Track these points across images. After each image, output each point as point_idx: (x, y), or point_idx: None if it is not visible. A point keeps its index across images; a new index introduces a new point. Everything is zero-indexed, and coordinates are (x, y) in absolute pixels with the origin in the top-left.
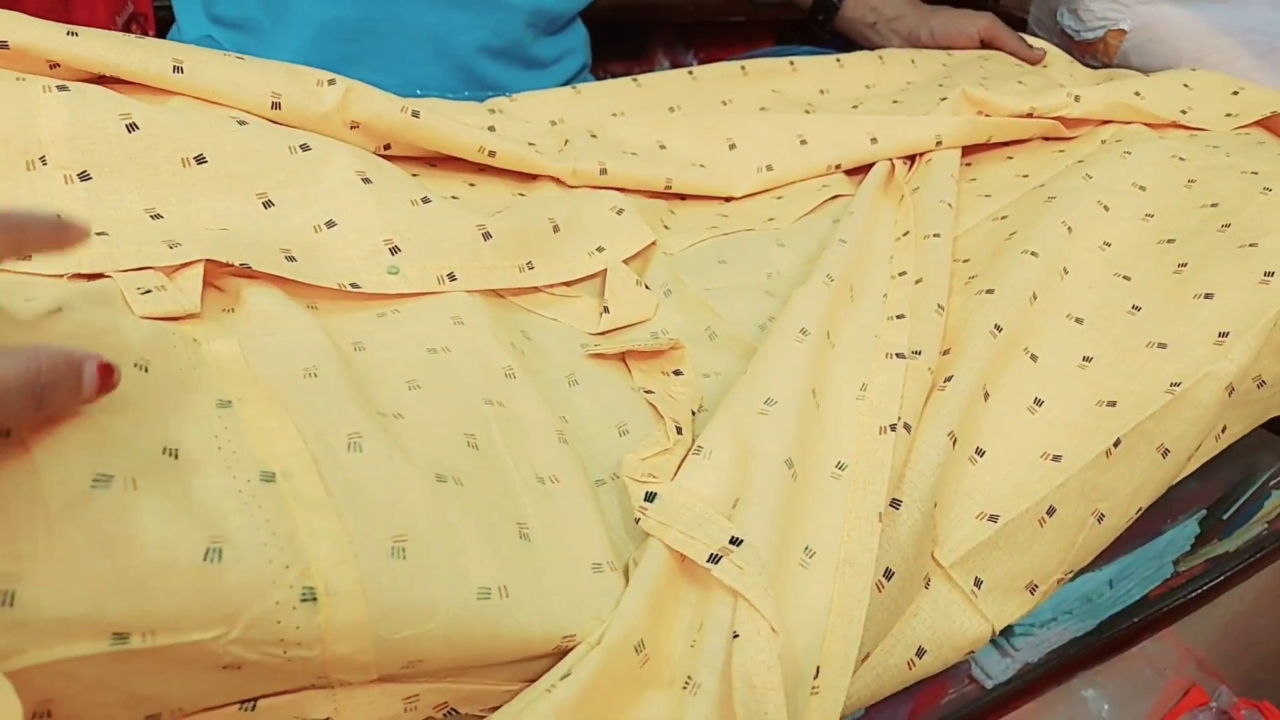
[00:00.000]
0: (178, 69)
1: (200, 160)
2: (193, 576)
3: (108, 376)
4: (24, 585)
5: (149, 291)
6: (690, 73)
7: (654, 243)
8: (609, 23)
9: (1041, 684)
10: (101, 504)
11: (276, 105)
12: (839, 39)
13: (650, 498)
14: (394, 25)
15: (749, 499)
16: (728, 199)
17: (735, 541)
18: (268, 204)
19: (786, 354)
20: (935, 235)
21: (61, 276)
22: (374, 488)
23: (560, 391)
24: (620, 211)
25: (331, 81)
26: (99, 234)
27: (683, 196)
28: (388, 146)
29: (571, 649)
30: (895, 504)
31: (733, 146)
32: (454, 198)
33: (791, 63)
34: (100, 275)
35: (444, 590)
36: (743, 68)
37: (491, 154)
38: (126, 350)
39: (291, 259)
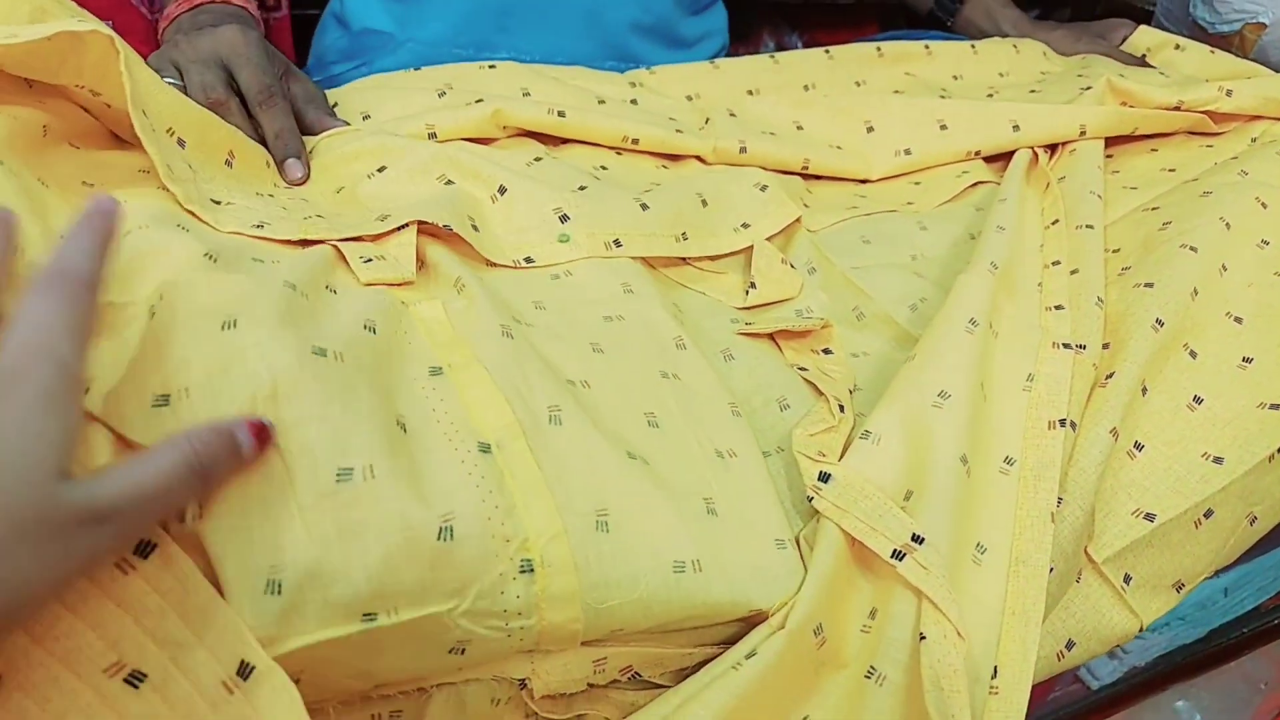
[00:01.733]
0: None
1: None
2: (430, 553)
3: (263, 434)
4: (288, 575)
5: (369, 260)
6: (827, 52)
7: (797, 220)
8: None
9: (1143, 690)
10: (346, 496)
11: (433, 135)
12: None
13: (824, 478)
14: (549, 0)
15: (926, 494)
16: (863, 181)
17: (917, 539)
18: (448, 182)
19: (957, 345)
20: (1088, 226)
21: (288, 242)
22: (574, 461)
23: (717, 365)
24: (764, 188)
25: (479, 101)
26: (317, 216)
27: (818, 177)
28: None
29: (756, 619)
30: (1058, 501)
31: (870, 129)
32: (603, 168)
33: (927, 46)
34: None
35: (644, 563)
36: (878, 49)
37: (635, 141)
38: (356, 312)
39: (475, 228)
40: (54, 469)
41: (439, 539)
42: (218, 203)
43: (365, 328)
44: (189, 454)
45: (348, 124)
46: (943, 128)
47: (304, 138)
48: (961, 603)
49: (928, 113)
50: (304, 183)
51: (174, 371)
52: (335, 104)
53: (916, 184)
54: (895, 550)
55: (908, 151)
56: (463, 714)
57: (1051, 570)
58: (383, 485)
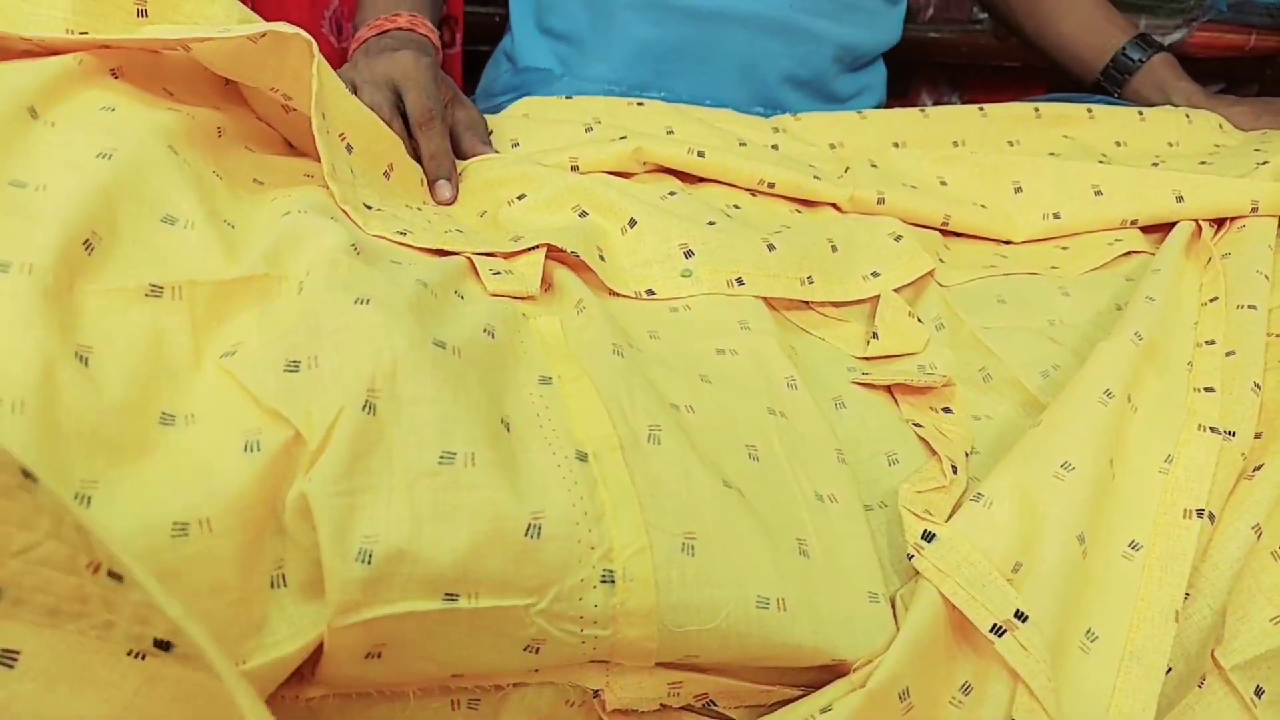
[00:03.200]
0: None
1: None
2: (516, 547)
3: None
4: (378, 547)
5: (499, 273)
6: (981, 109)
7: (929, 274)
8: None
9: None
10: (445, 478)
11: (575, 168)
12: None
13: (928, 537)
14: (708, 49)
15: (1035, 570)
16: (1006, 242)
17: (1020, 616)
18: (582, 213)
19: (1088, 415)
20: (1250, 306)
21: (426, 250)
22: (669, 482)
23: (827, 411)
24: (899, 238)
25: (623, 138)
26: (457, 231)
27: (958, 234)
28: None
29: (840, 669)
30: (1185, 596)
31: (1018, 190)
32: (736, 206)
33: (1089, 110)
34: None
35: (726, 593)
36: (1036, 109)
37: (771, 185)
38: (479, 317)
39: (602, 257)
40: None
41: (526, 534)
42: (369, 207)
43: (485, 331)
44: None
45: (498, 152)
46: (1098, 193)
47: (458, 162)
48: (1062, 692)
49: (1082, 176)
50: (451, 203)
51: (306, 340)
52: (491, 131)
53: (1064, 248)
54: (995, 625)
55: (1057, 215)
56: (535, 714)
57: (1169, 671)
58: (480, 474)
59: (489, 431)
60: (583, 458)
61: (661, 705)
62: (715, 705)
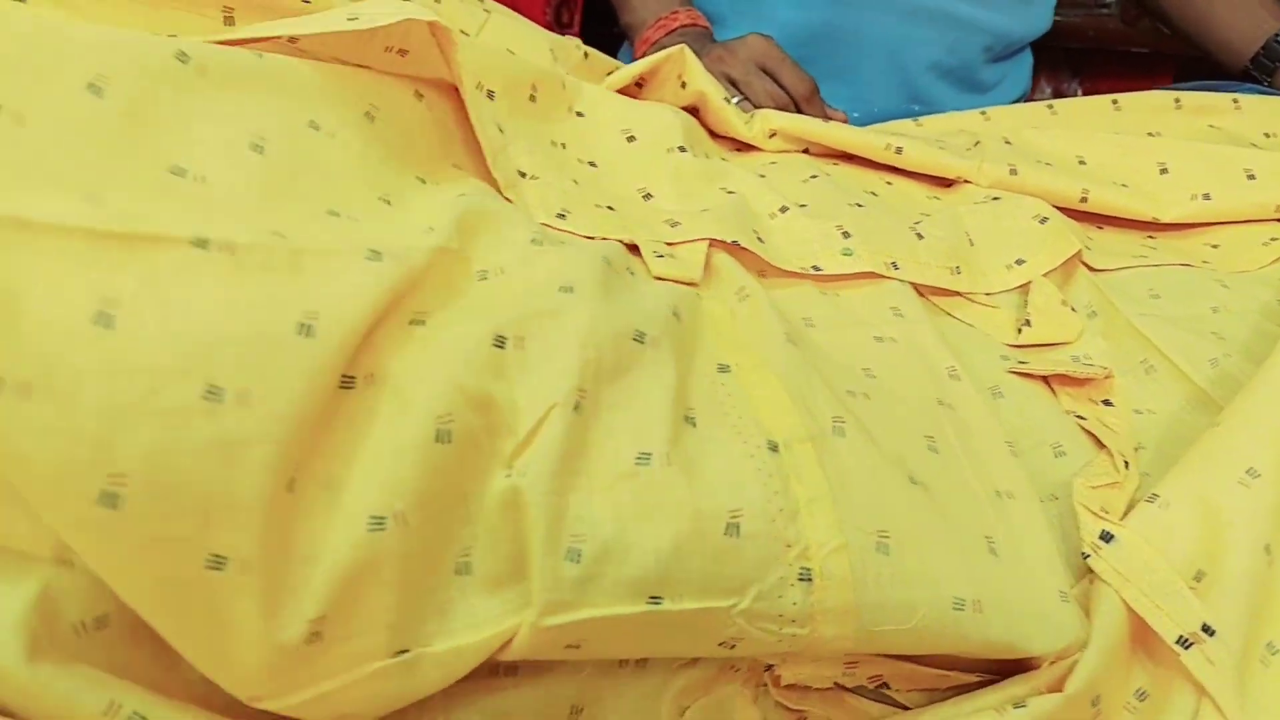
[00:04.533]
0: None
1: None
2: (716, 546)
3: None
4: (587, 545)
5: (661, 255)
6: (1114, 101)
7: (1078, 257)
8: None
9: None
10: (644, 479)
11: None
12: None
13: (1106, 537)
14: (854, 35)
15: (1221, 580)
16: (1152, 222)
17: (1207, 630)
18: (730, 193)
19: (1274, 419)
20: None
21: (591, 238)
22: (857, 476)
23: (986, 401)
24: (1044, 220)
25: (752, 115)
26: (607, 208)
27: (1101, 219)
28: (806, 150)
29: (1027, 663)
30: None
31: (1164, 170)
32: (873, 194)
33: (1235, 100)
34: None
35: (922, 594)
36: (1176, 100)
37: (899, 151)
38: (663, 297)
39: (760, 240)
40: None
41: (725, 534)
42: (523, 175)
43: (674, 314)
44: None
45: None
46: (1250, 177)
47: None
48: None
49: (1233, 160)
50: None
51: (510, 320)
52: None
53: (1214, 246)
54: (1181, 637)
55: (1207, 196)
56: (692, 666)
57: None
58: (677, 473)
59: (676, 428)
60: (774, 448)
61: (835, 684)
62: (888, 687)
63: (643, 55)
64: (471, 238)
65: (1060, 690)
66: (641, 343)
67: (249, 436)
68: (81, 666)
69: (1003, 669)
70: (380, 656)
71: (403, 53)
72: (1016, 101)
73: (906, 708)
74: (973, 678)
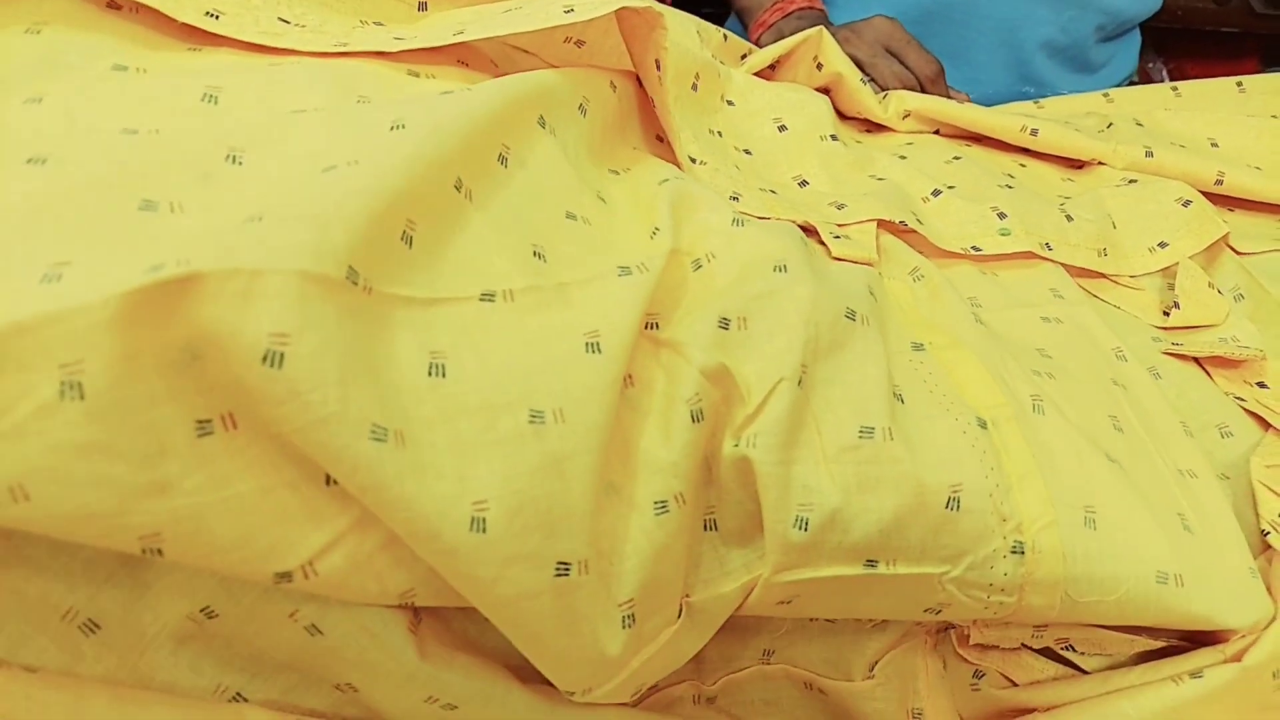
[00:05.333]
0: None
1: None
2: (936, 518)
3: None
4: (814, 515)
5: (837, 237)
6: (1239, 83)
7: (1224, 242)
8: None
9: None
10: (867, 452)
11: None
12: None
13: None
14: (967, 14)
15: None
16: None
17: None
18: (879, 179)
19: None
20: None
21: (765, 219)
22: (1060, 453)
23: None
24: (1187, 203)
25: (885, 96)
26: (770, 191)
27: (1234, 202)
28: (937, 131)
29: (1213, 634)
30: None
31: None
32: (1011, 175)
33: None
34: None
35: (1127, 568)
36: None
37: (1034, 132)
38: (858, 277)
39: (920, 222)
40: None
41: (946, 507)
42: (693, 160)
43: (870, 293)
44: None
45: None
46: None
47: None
48: None
49: None
50: None
51: (733, 302)
52: None
53: None
54: None
55: None
56: (882, 629)
57: None
58: (898, 448)
59: (891, 403)
60: (983, 425)
61: (1021, 645)
62: (1073, 650)
63: (759, 38)
64: (681, 227)
65: (1239, 662)
66: (853, 320)
67: (573, 449)
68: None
69: (1187, 637)
70: (671, 622)
71: (580, 44)
72: (1124, 82)
73: (1085, 671)
74: (1158, 643)
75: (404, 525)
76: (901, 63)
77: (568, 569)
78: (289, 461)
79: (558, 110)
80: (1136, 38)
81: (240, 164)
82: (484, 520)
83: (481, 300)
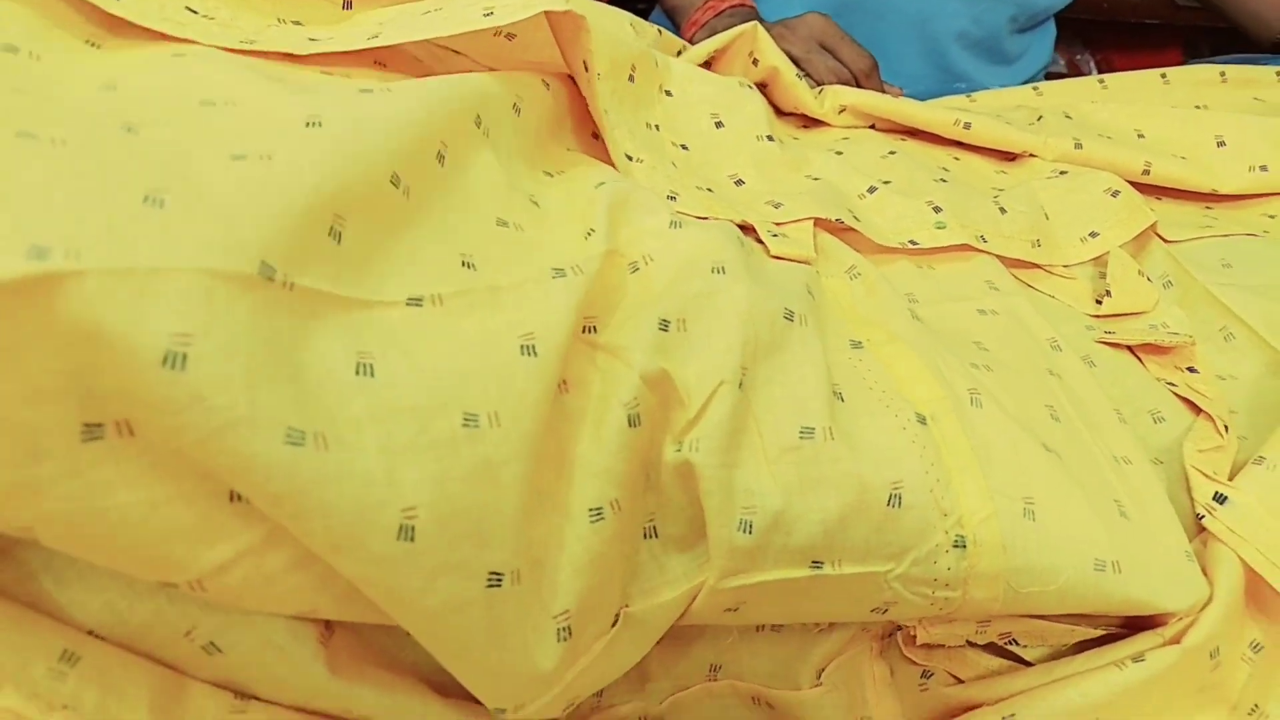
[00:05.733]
0: None
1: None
2: (879, 516)
3: None
4: (757, 518)
5: (775, 235)
6: (1163, 75)
7: (1152, 230)
8: None
9: None
10: (807, 452)
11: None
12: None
13: (1219, 499)
14: (882, 5)
15: None
16: (1210, 194)
17: None
18: (815, 179)
19: None
20: None
21: (704, 218)
22: (998, 445)
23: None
24: (1115, 193)
25: (820, 91)
26: (706, 190)
27: (1160, 191)
28: (873, 125)
29: (1151, 619)
30: None
31: (1221, 144)
32: (945, 169)
33: (1278, 73)
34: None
35: (1066, 557)
36: (1221, 73)
37: (966, 126)
38: (795, 276)
39: (856, 219)
40: None
41: (888, 504)
42: (630, 158)
43: (809, 292)
44: None
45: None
46: None
47: None
48: None
49: None
50: None
51: (670, 304)
52: None
53: (1271, 216)
54: None
55: (1264, 168)
56: (829, 632)
57: None
58: (839, 447)
59: (830, 402)
60: (922, 420)
61: (966, 642)
62: (1016, 644)
63: (692, 37)
64: (618, 229)
65: (1178, 644)
66: (791, 320)
67: (508, 455)
68: None
69: (1127, 624)
70: (605, 631)
71: (510, 37)
72: (1039, 73)
73: (1029, 663)
74: (1098, 631)
75: (322, 535)
76: (836, 58)
77: (500, 579)
78: (189, 474)
79: (493, 110)
80: (1051, 29)
81: (137, 136)
82: (412, 529)
83: (409, 305)
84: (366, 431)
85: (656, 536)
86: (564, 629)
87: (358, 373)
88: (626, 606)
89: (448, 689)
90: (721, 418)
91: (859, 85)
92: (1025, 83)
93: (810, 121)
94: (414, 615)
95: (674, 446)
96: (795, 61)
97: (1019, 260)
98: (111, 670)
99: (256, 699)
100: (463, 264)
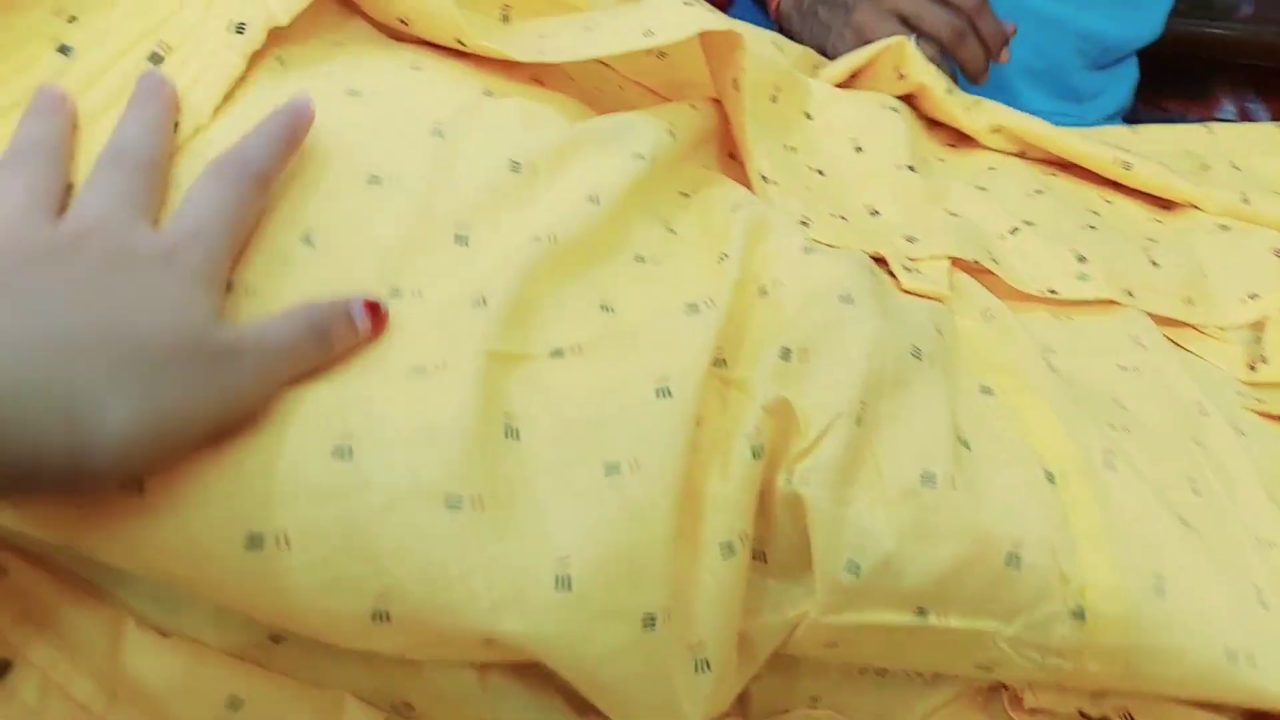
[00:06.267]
0: None
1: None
2: (994, 573)
3: (377, 314)
4: (866, 560)
5: (909, 270)
6: None
7: None
8: (1169, 55)
9: None
10: (927, 498)
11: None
12: None
13: None
14: None
15: None
16: None
17: None
18: (954, 215)
19: None
20: None
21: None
22: (1131, 513)
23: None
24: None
25: (977, 103)
26: (840, 218)
27: None
28: (1022, 153)
29: None
30: None
31: None
32: (1095, 213)
33: None
34: None
35: (1195, 641)
36: None
37: (1127, 166)
38: (926, 312)
39: (994, 261)
40: (203, 315)
41: (1006, 562)
42: (765, 179)
43: (938, 330)
44: (313, 318)
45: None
46: None
47: None
48: None
49: None
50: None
51: (796, 333)
52: None
53: None
54: None
55: None
56: (934, 685)
57: None
58: (961, 497)
59: (954, 448)
60: (1051, 479)
61: (1078, 711)
62: (1133, 718)
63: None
64: (751, 252)
65: None
66: (919, 358)
67: (651, 497)
68: None
69: (1254, 714)
70: (734, 658)
71: (661, 55)
72: (1115, 115)
73: None
74: (1222, 718)
75: (485, 595)
76: (944, 5)
77: (654, 621)
78: None
79: (648, 141)
80: (1131, 70)
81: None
82: (569, 577)
83: (552, 357)
84: (517, 488)
85: (765, 560)
86: (703, 661)
87: (505, 435)
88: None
89: (582, 705)
90: (835, 452)
91: (974, 27)
92: (1098, 123)
93: (959, 137)
94: (577, 666)
95: (786, 476)
96: (907, 21)
97: (1169, 318)
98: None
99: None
100: (602, 308)
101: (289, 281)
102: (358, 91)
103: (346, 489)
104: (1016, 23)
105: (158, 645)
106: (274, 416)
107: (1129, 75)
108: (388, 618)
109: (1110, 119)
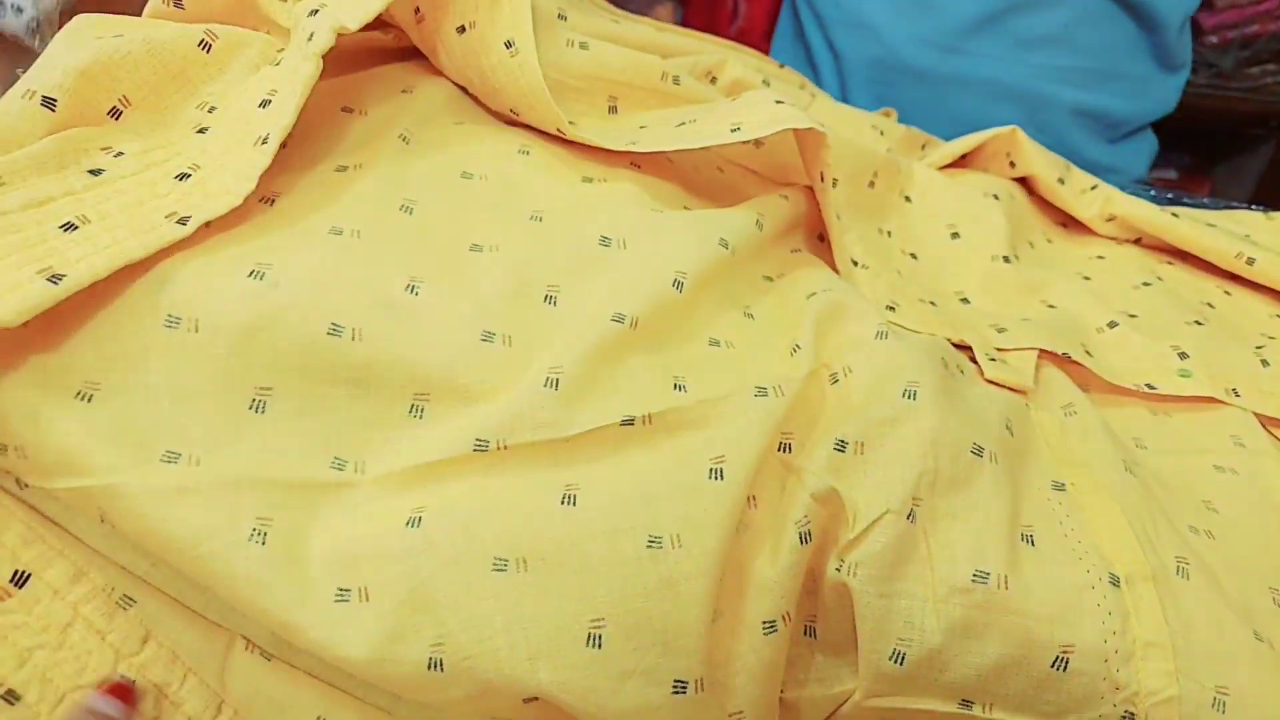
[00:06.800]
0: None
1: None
2: (1040, 675)
3: (125, 694)
4: (911, 651)
5: (993, 359)
6: None
7: None
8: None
9: None
10: (978, 596)
11: (1005, 260)
12: None
13: None
14: (936, 113)
15: None
16: None
17: None
18: (1051, 306)
19: None
20: None
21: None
22: (1199, 623)
23: None
24: None
25: (1094, 187)
26: (929, 303)
27: None
28: (1138, 240)
29: None
30: None
31: None
32: (1209, 305)
33: None
34: None
35: None
36: None
37: (1250, 261)
38: (998, 408)
39: (1088, 354)
40: None
41: (1053, 665)
42: (855, 263)
43: (1006, 428)
44: None
45: None
46: None
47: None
48: None
49: None
50: None
51: (853, 425)
52: None
53: None
54: None
55: None
56: None
57: None
58: (1013, 596)
59: (1013, 547)
60: (1115, 583)
61: None
62: None
63: None
64: (824, 339)
65: None
66: (980, 456)
67: (689, 573)
68: None
69: None
70: None
71: (758, 144)
72: (1128, 184)
73: None
74: None
75: (524, 646)
76: None
77: (685, 687)
78: None
79: (737, 233)
80: (1147, 143)
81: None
82: (600, 636)
83: (622, 425)
84: (567, 552)
85: (815, 637)
86: None
87: (562, 502)
88: (782, 693)
89: None
90: (883, 547)
91: None
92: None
93: (1071, 220)
94: (605, 717)
95: (835, 564)
96: None
97: (1277, 420)
98: None
99: None
100: (675, 386)
101: (390, 325)
102: (470, 174)
103: (415, 550)
104: (1005, 105)
105: (261, 665)
106: None
107: (1143, 146)
108: (441, 666)
109: (1124, 187)
